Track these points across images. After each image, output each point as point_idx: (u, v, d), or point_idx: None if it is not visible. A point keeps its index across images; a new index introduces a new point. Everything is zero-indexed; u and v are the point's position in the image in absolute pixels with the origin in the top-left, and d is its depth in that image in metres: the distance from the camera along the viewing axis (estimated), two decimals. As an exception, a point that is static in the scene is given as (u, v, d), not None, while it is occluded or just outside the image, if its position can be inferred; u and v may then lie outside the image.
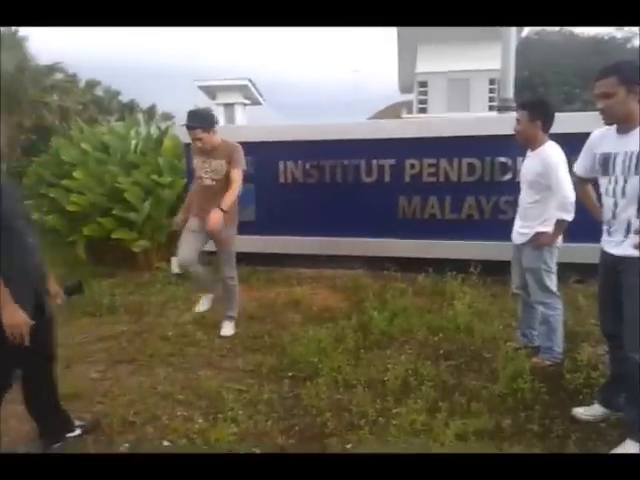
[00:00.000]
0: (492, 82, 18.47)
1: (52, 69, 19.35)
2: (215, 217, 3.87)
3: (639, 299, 2.46)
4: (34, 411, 2.75)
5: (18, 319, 2.32)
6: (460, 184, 5.49)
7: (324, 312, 4.80)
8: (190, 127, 4.04)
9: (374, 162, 5.70)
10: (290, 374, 3.59)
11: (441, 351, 3.88)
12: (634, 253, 2.43)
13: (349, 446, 2.72)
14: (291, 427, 2.96)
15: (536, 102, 3.69)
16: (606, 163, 2.56)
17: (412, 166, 5.60)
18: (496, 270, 5.01)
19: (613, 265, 2.59)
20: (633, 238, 2.45)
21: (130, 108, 24.78)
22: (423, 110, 20.42)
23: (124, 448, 2.81)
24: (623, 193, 2.47)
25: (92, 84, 22.57)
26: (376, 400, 3.14)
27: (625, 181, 2.46)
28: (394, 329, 4.25)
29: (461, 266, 5.29)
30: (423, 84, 20.63)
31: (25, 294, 2.41)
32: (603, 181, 2.61)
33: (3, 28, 16.81)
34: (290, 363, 3.73)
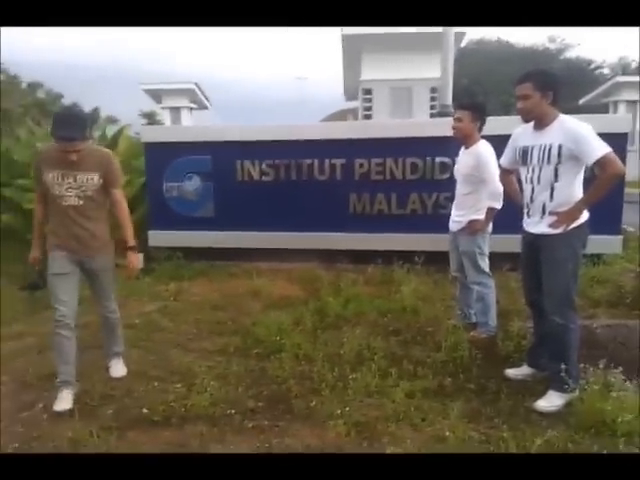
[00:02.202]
0: (433, 90, 19.23)
1: (-7, 70, 18.87)
2: (135, 261, 3.46)
3: (555, 270, 2.96)
4: None
5: None
6: (405, 182, 5.99)
7: (282, 300, 5.14)
8: (66, 139, 3.03)
9: (326, 161, 6.11)
10: (255, 351, 3.92)
11: (390, 329, 4.31)
12: (549, 231, 2.94)
13: (313, 404, 3.09)
14: (259, 393, 3.31)
15: (478, 104, 4.19)
16: (525, 155, 3.06)
17: (361, 165, 6.05)
18: (438, 260, 5.48)
19: (532, 242, 3.09)
20: (548, 218, 2.95)
21: (72, 111, 24.33)
22: (368, 117, 21.02)
23: (107, 416, 3.07)
24: (539, 180, 2.98)
25: (34, 86, 22.11)
26: (334, 369, 3.51)
27: (540, 170, 2.96)
28: (348, 312, 4.65)
29: (407, 257, 5.76)
30: (367, 91, 21.21)
31: None
32: (523, 170, 3.11)
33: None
34: (254, 343, 4.06)
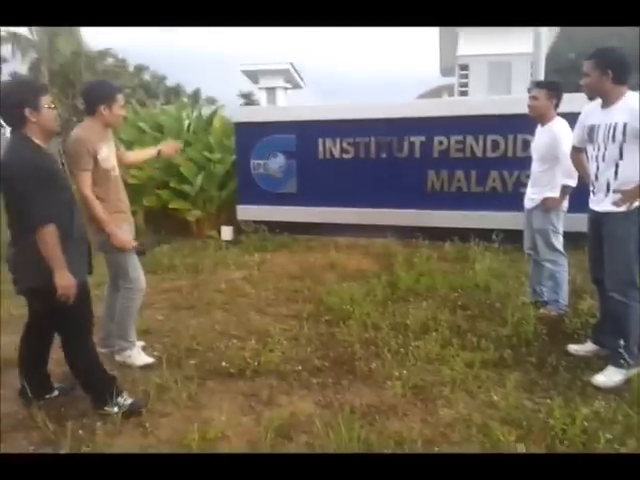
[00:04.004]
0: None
1: (104, 54, 20.39)
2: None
3: (616, 248, 2.95)
4: (24, 368, 2.93)
5: (68, 281, 2.54)
6: (485, 159, 5.96)
7: (357, 273, 5.37)
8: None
9: (405, 139, 6.21)
10: (326, 318, 4.19)
11: (459, 303, 4.41)
12: (612, 209, 2.93)
13: (373, 366, 3.31)
14: (326, 355, 3.57)
15: (555, 84, 4.14)
16: (592, 133, 3.04)
17: (440, 142, 6.09)
18: (516, 238, 5.43)
19: (597, 220, 3.09)
20: (612, 196, 2.94)
21: (175, 92, 25.80)
22: (464, 93, 20.40)
23: (190, 367, 3.45)
24: (604, 158, 2.96)
25: (140, 69, 23.65)
26: (398, 337, 3.71)
27: (605, 148, 2.94)
28: (419, 286, 4.79)
29: (484, 235, 5.77)
30: (464, 67, 20.55)
31: (73, 259, 2.63)
32: (589, 148, 3.10)
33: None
34: (326, 310, 4.33)
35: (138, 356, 3.54)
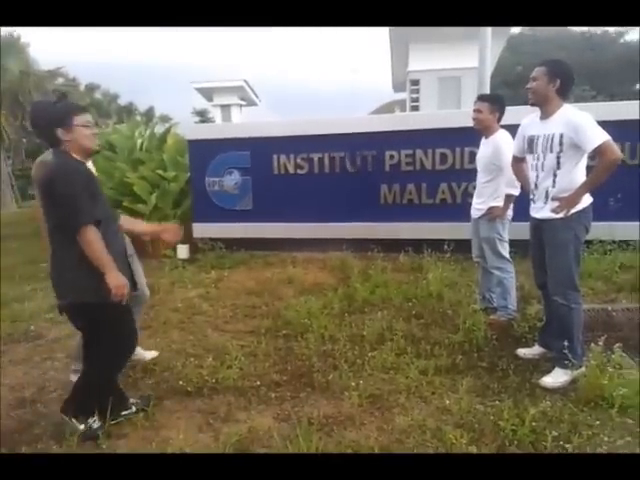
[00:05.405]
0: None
1: (54, 74, 19.98)
2: None
3: (557, 252, 3.11)
4: (99, 391, 2.89)
5: (121, 281, 2.60)
6: (434, 172, 6.16)
7: (314, 287, 5.43)
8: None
9: (358, 153, 6.35)
10: (284, 332, 4.22)
11: (413, 312, 4.51)
12: (551, 215, 3.08)
13: (331, 377, 3.35)
14: (284, 369, 3.59)
15: (498, 97, 4.33)
16: (531, 144, 3.22)
17: (391, 157, 6.25)
18: (466, 248, 5.59)
19: (537, 227, 3.25)
20: (551, 203, 3.10)
21: (128, 110, 25.48)
22: (415, 108, 20.84)
23: (147, 387, 3.42)
24: (542, 168, 3.13)
25: (91, 87, 23.28)
26: (355, 348, 3.77)
27: (544, 158, 3.11)
28: (375, 298, 4.88)
29: (436, 245, 5.92)
30: (415, 82, 20.99)
31: (119, 260, 2.68)
32: (529, 158, 3.27)
33: (6, 34, 17.47)
34: (284, 324, 4.35)
35: (144, 352, 3.83)
